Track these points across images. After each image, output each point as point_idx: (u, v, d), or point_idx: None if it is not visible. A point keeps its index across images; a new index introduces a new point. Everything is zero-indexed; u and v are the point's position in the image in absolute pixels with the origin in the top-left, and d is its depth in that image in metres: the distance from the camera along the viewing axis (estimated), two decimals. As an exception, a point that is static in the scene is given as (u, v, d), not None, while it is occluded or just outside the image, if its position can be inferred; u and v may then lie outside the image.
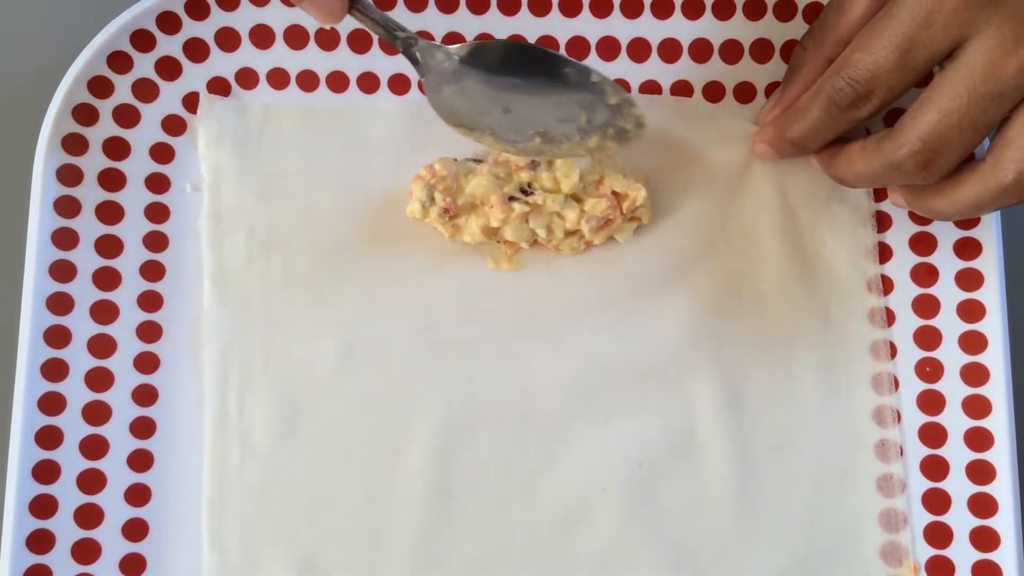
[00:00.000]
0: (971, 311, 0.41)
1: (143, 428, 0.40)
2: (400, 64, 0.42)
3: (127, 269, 0.41)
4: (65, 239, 0.40)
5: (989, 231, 0.41)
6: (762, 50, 0.42)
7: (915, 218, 0.42)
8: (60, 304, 0.40)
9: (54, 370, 0.39)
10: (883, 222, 0.42)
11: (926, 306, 0.41)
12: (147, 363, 0.40)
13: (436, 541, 0.39)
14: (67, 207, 0.40)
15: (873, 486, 0.40)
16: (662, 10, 0.42)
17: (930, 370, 0.41)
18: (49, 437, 0.39)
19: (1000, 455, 0.40)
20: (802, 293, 0.41)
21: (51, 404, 0.39)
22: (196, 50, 0.41)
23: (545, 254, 0.41)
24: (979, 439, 0.40)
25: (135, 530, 0.39)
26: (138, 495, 0.39)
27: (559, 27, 0.42)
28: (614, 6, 0.42)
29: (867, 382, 0.41)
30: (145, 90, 0.41)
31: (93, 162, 0.41)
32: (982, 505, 0.40)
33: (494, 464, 0.40)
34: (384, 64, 0.42)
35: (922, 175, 0.35)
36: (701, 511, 0.40)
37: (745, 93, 0.43)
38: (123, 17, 0.40)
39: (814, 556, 0.40)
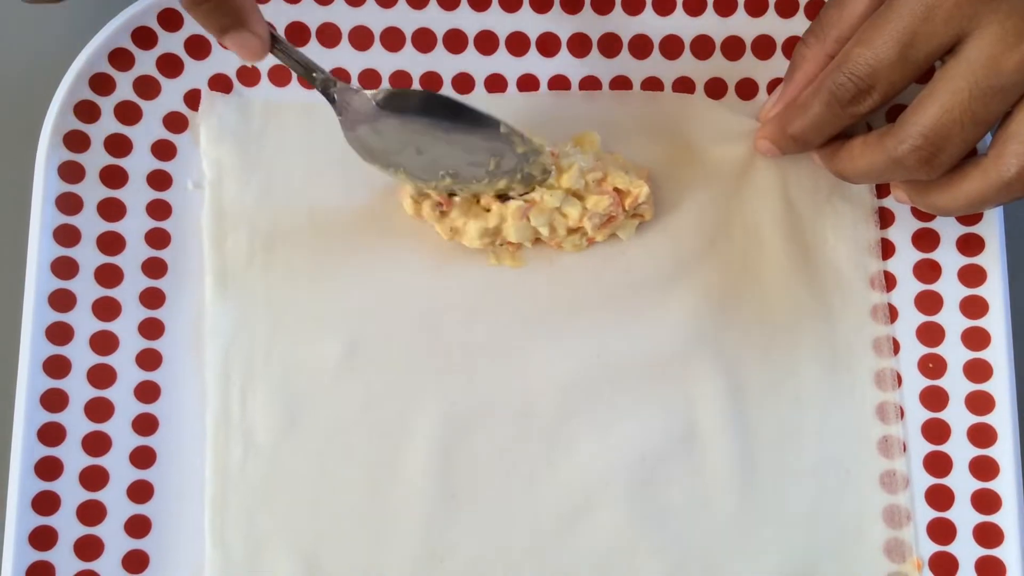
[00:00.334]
0: (974, 307, 0.41)
1: (145, 425, 0.40)
2: (401, 61, 0.42)
3: (129, 266, 0.41)
4: (67, 236, 0.40)
5: (992, 227, 0.41)
6: (764, 46, 0.42)
7: (918, 214, 0.42)
8: (62, 300, 0.40)
9: (56, 367, 0.39)
10: (885, 218, 0.42)
11: (929, 302, 0.41)
12: (149, 360, 0.40)
13: (439, 538, 0.39)
14: (69, 204, 0.40)
15: (876, 482, 0.40)
16: (664, 7, 0.42)
17: (933, 366, 0.41)
18: (51, 435, 0.39)
19: (1003, 451, 0.40)
20: (804, 290, 0.41)
21: (52, 402, 0.39)
22: (197, 47, 0.41)
23: (547, 251, 0.41)
24: (982, 435, 0.40)
25: (138, 527, 0.39)
26: (141, 492, 0.39)
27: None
28: (615, 4, 0.42)
29: (870, 378, 0.41)
30: (146, 87, 0.41)
31: (95, 159, 0.41)
32: (986, 501, 0.40)
33: (496, 461, 0.40)
34: (385, 61, 0.42)
35: (924, 170, 0.35)
36: (704, 508, 0.40)
37: (747, 89, 0.43)
38: (124, 14, 0.40)
39: (817, 552, 0.40)
